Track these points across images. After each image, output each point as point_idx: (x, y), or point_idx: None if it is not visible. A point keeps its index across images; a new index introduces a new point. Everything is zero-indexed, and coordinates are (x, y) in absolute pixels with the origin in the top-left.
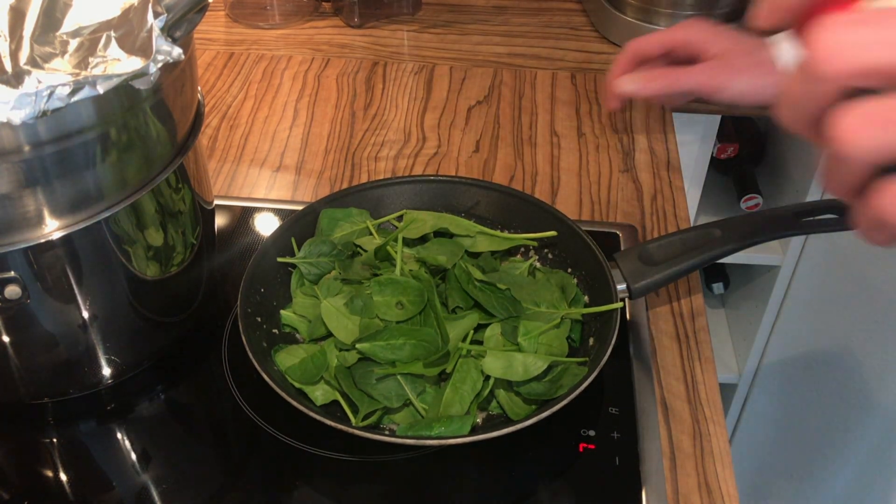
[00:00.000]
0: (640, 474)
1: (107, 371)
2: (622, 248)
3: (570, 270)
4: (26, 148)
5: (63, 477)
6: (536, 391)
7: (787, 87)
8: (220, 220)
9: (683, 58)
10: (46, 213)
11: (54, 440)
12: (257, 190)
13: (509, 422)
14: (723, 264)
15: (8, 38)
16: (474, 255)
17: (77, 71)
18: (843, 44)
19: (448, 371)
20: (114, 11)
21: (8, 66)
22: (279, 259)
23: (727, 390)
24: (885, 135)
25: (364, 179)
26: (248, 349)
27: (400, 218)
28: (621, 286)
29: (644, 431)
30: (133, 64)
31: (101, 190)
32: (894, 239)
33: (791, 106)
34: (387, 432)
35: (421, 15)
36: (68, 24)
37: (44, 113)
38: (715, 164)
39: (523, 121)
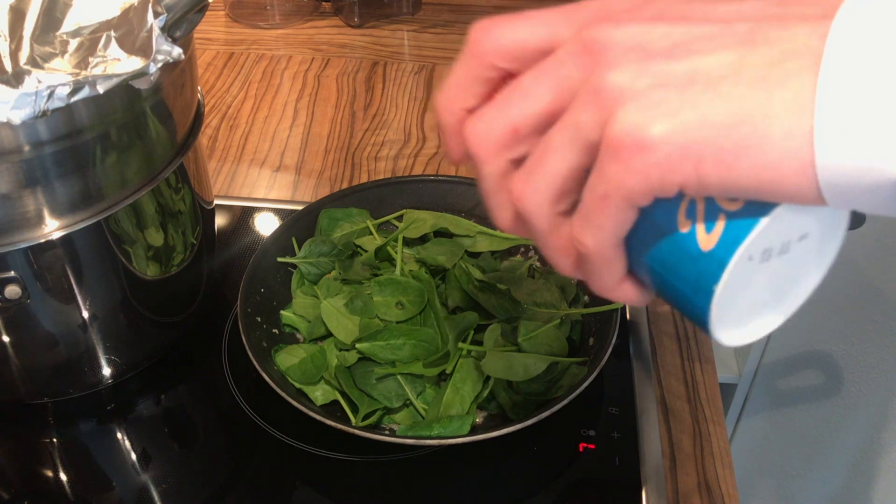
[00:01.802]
0: (640, 474)
1: (107, 371)
2: None
3: None
4: (26, 148)
5: (63, 477)
6: (536, 391)
7: (481, 189)
8: (220, 220)
9: None
10: (46, 213)
11: (54, 440)
12: (257, 190)
13: (509, 422)
14: None
15: (8, 38)
16: (474, 255)
17: (77, 71)
18: (480, 129)
19: (448, 371)
20: (114, 11)
21: (8, 66)
22: (279, 259)
23: (727, 390)
24: (544, 180)
25: (364, 179)
26: (248, 349)
27: (400, 218)
28: None
29: (644, 431)
30: (133, 64)
31: (101, 190)
32: (578, 265)
33: (491, 205)
34: (387, 432)
35: (421, 15)
36: (68, 24)
37: (44, 113)
38: None
39: None
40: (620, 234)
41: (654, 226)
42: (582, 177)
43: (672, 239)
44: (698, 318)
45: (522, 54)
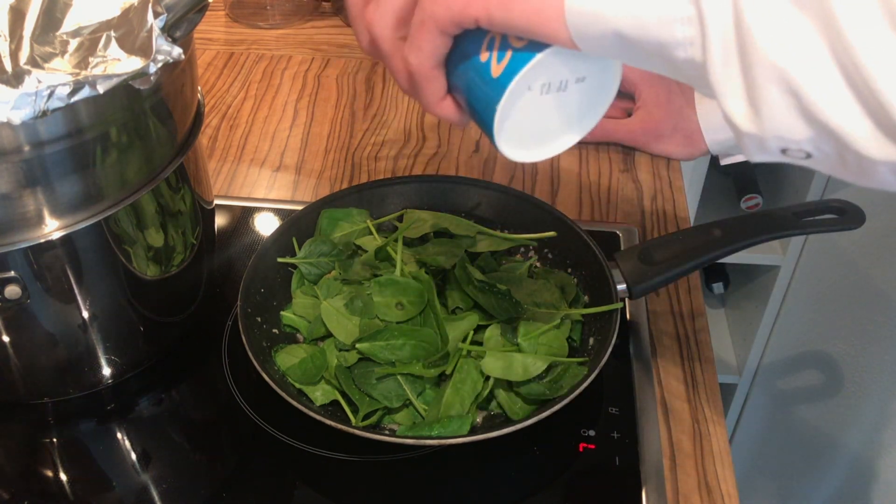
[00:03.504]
0: (640, 474)
1: (107, 371)
2: (622, 248)
3: (570, 270)
4: (26, 148)
5: (63, 477)
6: (536, 391)
7: (349, 17)
8: (220, 220)
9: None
10: (46, 213)
11: (54, 440)
12: (257, 190)
13: (509, 422)
14: (723, 264)
15: (8, 38)
16: (474, 256)
17: (77, 71)
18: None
19: (448, 372)
20: (114, 11)
21: (8, 66)
22: (279, 259)
23: (727, 390)
24: (387, 8)
25: (364, 179)
26: (248, 349)
27: (400, 218)
28: (621, 286)
29: (644, 431)
30: (133, 64)
31: (101, 190)
32: (410, 85)
33: (354, 31)
34: (387, 432)
35: None
36: (68, 24)
37: (44, 113)
38: (715, 164)
39: None
40: (437, 56)
41: (464, 54)
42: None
43: (474, 66)
44: (488, 133)
45: None
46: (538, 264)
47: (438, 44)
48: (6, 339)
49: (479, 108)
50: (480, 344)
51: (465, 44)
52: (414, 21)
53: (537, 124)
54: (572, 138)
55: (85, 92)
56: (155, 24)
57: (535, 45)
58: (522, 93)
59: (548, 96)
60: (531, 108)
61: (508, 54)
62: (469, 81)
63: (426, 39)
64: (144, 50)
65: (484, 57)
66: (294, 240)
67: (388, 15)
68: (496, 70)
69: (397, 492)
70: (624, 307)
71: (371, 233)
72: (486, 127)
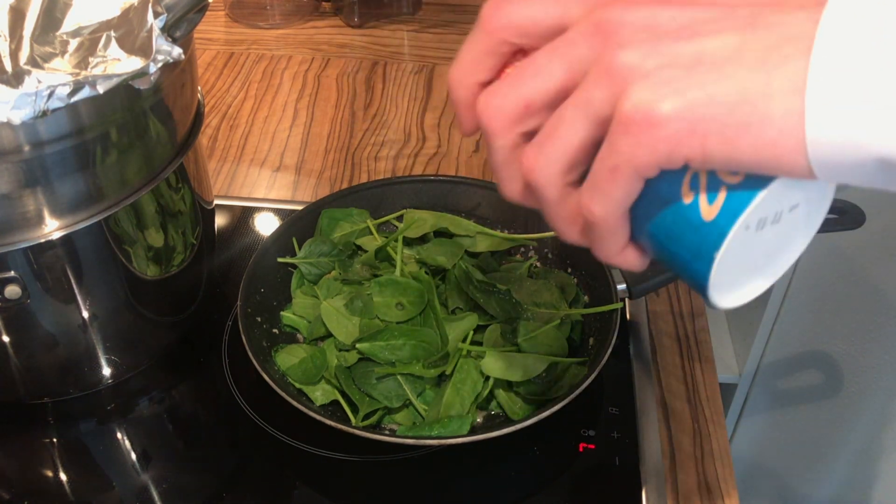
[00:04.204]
0: (640, 474)
1: (107, 371)
2: None
3: (569, 270)
4: (26, 148)
5: (63, 477)
6: (536, 391)
7: (491, 162)
8: (220, 220)
9: None
10: (46, 213)
11: (54, 440)
12: (257, 190)
13: (509, 422)
14: None
15: (8, 38)
16: (474, 256)
17: (77, 71)
18: (494, 104)
19: (448, 372)
20: (114, 11)
21: (8, 66)
22: (279, 259)
23: (727, 390)
24: (555, 152)
25: (364, 179)
26: (248, 349)
27: (400, 218)
28: (621, 286)
29: (644, 431)
30: (133, 64)
31: (101, 190)
32: (584, 233)
33: (501, 177)
34: (387, 432)
35: (421, 15)
36: (68, 24)
37: (44, 113)
38: None
39: None
40: (627, 203)
41: (658, 196)
42: (590, 150)
43: (675, 209)
44: (698, 284)
45: (534, 31)
46: (538, 264)
47: (631, 190)
48: (6, 339)
49: (686, 255)
50: (480, 344)
51: (660, 183)
52: (602, 166)
53: (745, 263)
54: (779, 270)
55: (85, 92)
56: (155, 24)
57: (755, 179)
58: (741, 235)
59: (761, 231)
60: (743, 248)
61: (722, 193)
62: (669, 227)
63: (619, 186)
64: (144, 50)
65: (688, 199)
66: (294, 240)
67: (558, 160)
68: (708, 213)
69: (397, 492)
70: (624, 307)
71: (371, 233)
72: (695, 275)
